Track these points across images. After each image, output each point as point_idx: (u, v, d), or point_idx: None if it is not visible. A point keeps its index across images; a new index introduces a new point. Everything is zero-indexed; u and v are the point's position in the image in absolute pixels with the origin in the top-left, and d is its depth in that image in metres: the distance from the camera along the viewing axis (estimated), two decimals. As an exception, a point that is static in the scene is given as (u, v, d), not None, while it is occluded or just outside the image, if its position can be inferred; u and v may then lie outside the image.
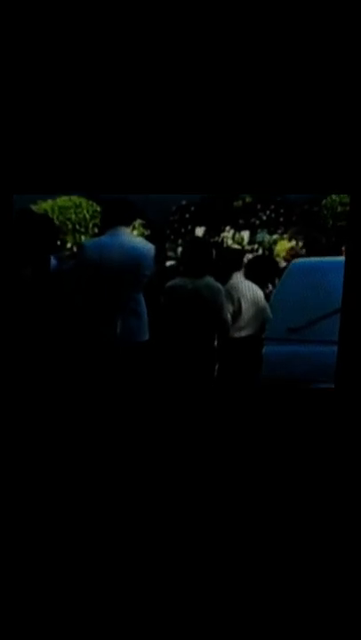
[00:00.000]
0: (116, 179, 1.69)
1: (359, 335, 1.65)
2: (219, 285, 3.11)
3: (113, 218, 3.07)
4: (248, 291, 3.30)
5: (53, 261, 3.16)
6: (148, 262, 3.05)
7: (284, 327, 3.52)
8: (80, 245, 3.30)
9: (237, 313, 3.31)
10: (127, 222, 3.16)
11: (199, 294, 3.05)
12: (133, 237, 3.38)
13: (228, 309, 3.28)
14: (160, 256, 4.00)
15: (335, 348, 3.33)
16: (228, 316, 3.26)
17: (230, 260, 3.61)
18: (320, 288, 3.51)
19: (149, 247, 3.13)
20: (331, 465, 1.70)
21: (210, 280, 3.09)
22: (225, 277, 3.37)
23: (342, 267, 4.04)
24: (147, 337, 2.97)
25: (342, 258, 4.86)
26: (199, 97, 1.56)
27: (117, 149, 1.62)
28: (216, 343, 3.16)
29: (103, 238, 3.04)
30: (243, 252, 4.42)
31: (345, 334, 1.68)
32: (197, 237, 5.28)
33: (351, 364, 1.66)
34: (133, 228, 6.59)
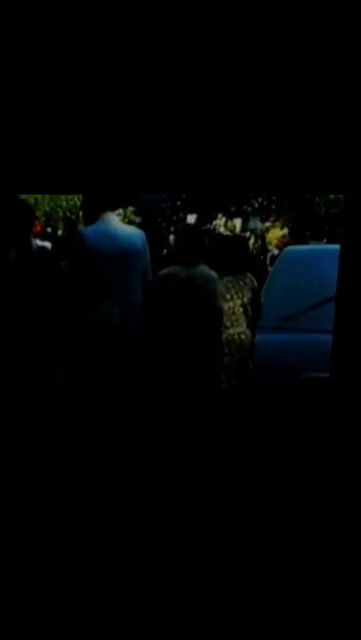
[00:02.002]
0: (115, 178, 1.67)
1: (354, 328, 1.64)
2: (213, 274, 3.08)
3: (99, 204, 3.05)
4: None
5: (36, 243, 3.18)
6: (145, 248, 3.04)
7: (277, 316, 3.50)
8: (78, 233, 3.27)
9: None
10: (113, 207, 3.15)
11: (193, 282, 3.02)
12: (124, 225, 3.38)
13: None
14: (155, 243, 3.99)
15: (329, 337, 3.34)
16: (224, 304, 3.24)
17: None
18: (313, 276, 3.48)
19: (142, 233, 3.13)
20: (328, 456, 1.69)
21: (204, 268, 3.06)
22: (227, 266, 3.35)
23: (335, 255, 4.05)
24: (141, 324, 2.98)
25: (335, 246, 4.87)
26: (196, 96, 1.54)
27: (116, 148, 1.60)
28: (211, 332, 3.14)
29: (99, 226, 3.02)
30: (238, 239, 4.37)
31: (340, 328, 1.67)
32: (191, 225, 5.26)
33: (347, 354, 1.65)
34: (125, 215, 6.58)
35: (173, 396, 2.08)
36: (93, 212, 3.09)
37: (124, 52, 1.55)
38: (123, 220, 4.73)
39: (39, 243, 3.55)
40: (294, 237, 6.51)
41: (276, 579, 1.71)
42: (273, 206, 7.24)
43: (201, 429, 1.75)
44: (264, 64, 1.52)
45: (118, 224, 3.02)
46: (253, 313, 3.37)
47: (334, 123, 1.54)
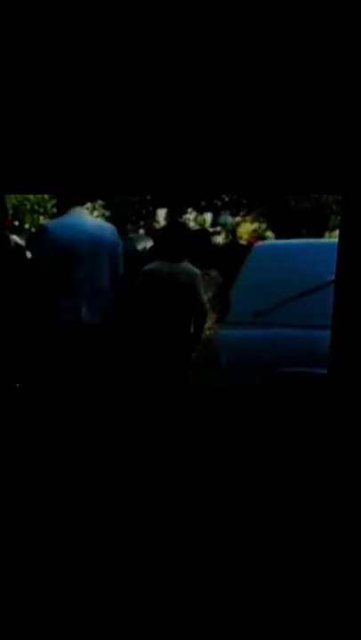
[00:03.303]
0: (108, 178, 1.64)
1: (352, 326, 1.63)
2: (196, 270, 3.11)
3: (69, 198, 3.02)
4: None
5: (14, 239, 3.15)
6: (116, 242, 3.02)
7: (249, 311, 3.49)
8: (41, 227, 3.24)
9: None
10: (83, 202, 3.14)
11: (176, 278, 3.04)
12: (94, 218, 3.36)
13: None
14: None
15: (301, 332, 3.35)
16: (210, 299, 3.26)
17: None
18: (285, 271, 3.49)
19: (113, 227, 3.12)
20: (324, 454, 1.69)
21: (187, 264, 3.09)
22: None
23: (307, 249, 4.07)
24: (114, 318, 2.97)
25: (306, 240, 4.91)
26: (192, 97, 1.52)
27: (110, 148, 1.58)
28: (192, 328, 3.16)
29: (65, 219, 2.99)
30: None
31: (338, 327, 1.66)
32: (177, 222, 5.29)
33: (345, 351, 1.65)
34: (94, 208, 6.50)
35: (154, 385, 2.07)
36: (63, 206, 3.06)
37: (119, 52, 1.53)
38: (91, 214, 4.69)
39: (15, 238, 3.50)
40: (275, 232, 6.53)
41: (273, 578, 1.71)
42: (243, 201, 7.23)
43: (180, 424, 1.74)
44: (262, 67, 1.51)
45: (88, 217, 3.00)
46: (220, 308, 3.38)
47: (331, 123, 1.54)
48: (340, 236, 1.62)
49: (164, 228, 4.04)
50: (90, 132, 1.56)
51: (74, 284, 2.84)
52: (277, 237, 6.30)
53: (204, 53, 1.49)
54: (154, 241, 4.13)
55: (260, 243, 4.66)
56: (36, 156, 1.57)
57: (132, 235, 4.40)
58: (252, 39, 1.47)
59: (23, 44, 1.48)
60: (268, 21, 1.44)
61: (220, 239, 6.65)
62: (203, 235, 3.98)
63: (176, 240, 3.14)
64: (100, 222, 3.21)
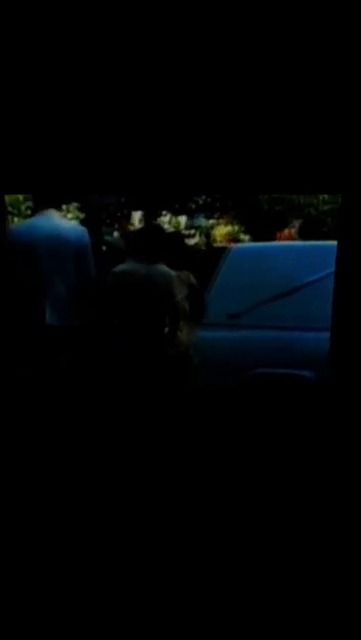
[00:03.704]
0: (108, 179, 1.64)
1: (351, 328, 1.65)
2: (172, 272, 3.12)
3: (44, 200, 3.01)
4: None
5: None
6: (85, 244, 3.01)
7: (224, 313, 3.51)
8: (10, 230, 3.22)
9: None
10: (58, 205, 3.12)
11: (152, 280, 3.05)
12: (64, 220, 3.35)
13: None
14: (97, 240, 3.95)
15: (277, 333, 3.38)
16: (182, 301, 3.27)
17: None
18: (260, 273, 3.51)
19: (82, 229, 3.11)
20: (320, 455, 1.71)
21: (163, 266, 3.10)
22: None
23: (282, 252, 4.10)
24: (82, 320, 2.95)
25: (281, 243, 4.94)
26: (190, 99, 1.52)
27: (108, 148, 1.57)
28: (167, 330, 3.16)
29: (34, 220, 2.98)
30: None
31: (337, 329, 1.67)
32: (152, 223, 5.29)
33: (344, 354, 1.66)
34: (68, 211, 6.46)
35: (128, 386, 2.06)
36: (35, 208, 3.05)
37: (116, 52, 1.52)
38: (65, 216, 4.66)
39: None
40: (250, 234, 6.57)
41: (267, 574, 1.72)
42: (217, 204, 7.25)
43: (160, 424, 1.74)
44: (258, 68, 1.52)
45: (56, 219, 2.98)
46: (192, 309, 3.39)
47: (329, 123, 1.55)
48: (340, 236, 1.63)
49: (139, 230, 4.04)
50: (90, 132, 1.55)
51: (36, 286, 2.83)
52: (252, 240, 6.34)
53: (203, 54, 1.48)
54: (126, 242, 4.13)
55: (236, 245, 4.68)
56: (36, 156, 1.56)
57: (107, 237, 4.39)
58: (251, 40, 1.47)
59: (38, 53, 1.46)
60: (267, 24, 1.45)
61: (194, 242, 6.67)
62: (176, 237, 4.00)
63: (152, 242, 3.15)
64: (68, 224, 3.20)
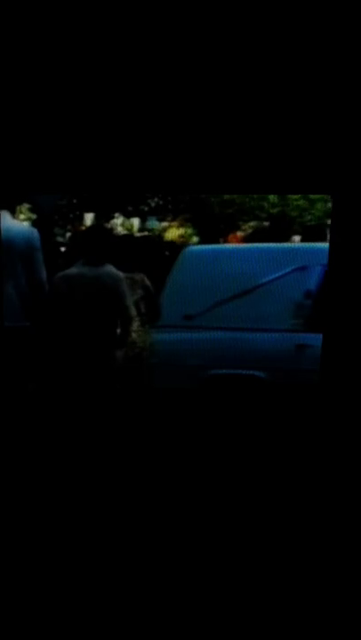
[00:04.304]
0: (105, 178, 1.62)
1: (342, 330, 1.68)
2: (120, 274, 3.12)
3: None
4: None
5: None
6: (33, 245, 2.98)
7: (179, 314, 3.54)
8: None
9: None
10: (10, 207, 3.08)
11: (100, 282, 3.03)
12: (16, 221, 3.30)
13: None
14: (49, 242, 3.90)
15: (233, 334, 3.42)
16: (131, 303, 3.27)
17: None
18: (213, 275, 3.57)
19: (32, 230, 3.07)
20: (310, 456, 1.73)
21: (111, 268, 3.09)
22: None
23: (236, 253, 4.16)
24: (31, 321, 2.91)
25: (234, 245, 5.00)
26: (188, 100, 1.53)
27: (107, 148, 1.56)
28: (119, 331, 3.15)
29: None
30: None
31: (329, 330, 1.71)
32: (97, 225, 5.23)
33: (335, 355, 1.69)
34: (20, 212, 6.34)
35: (78, 390, 2.05)
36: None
37: (116, 53, 1.51)
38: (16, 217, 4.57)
39: None
40: (201, 237, 6.59)
41: (264, 576, 1.73)
42: (170, 206, 7.27)
43: (116, 426, 1.74)
44: (255, 69, 1.53)
45: (9, 221, 2.94)
46: (147, 311, 3.40)
47: (320, 125, 1.57)
48: (331, 237, 1.66)
49: (84, 232, 4.01)
50: (90, 132, 1.54)
51: None
52: (203, 242, 6.38)
53: (202, 54, 1.49)
54: (72, 245, 4.08)
55: (189, 247, 4.72)
56: (36, 156, 1.54)
57: (60, 239, 4.33)
58: (250, 41, 1.48)
59: (37, 54, 1.45)
60: (265, 25, 1.47)
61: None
62: (127, 239, 4.01)
63: (98, 244, 3.14)
64: (19, 225, 3.17)
